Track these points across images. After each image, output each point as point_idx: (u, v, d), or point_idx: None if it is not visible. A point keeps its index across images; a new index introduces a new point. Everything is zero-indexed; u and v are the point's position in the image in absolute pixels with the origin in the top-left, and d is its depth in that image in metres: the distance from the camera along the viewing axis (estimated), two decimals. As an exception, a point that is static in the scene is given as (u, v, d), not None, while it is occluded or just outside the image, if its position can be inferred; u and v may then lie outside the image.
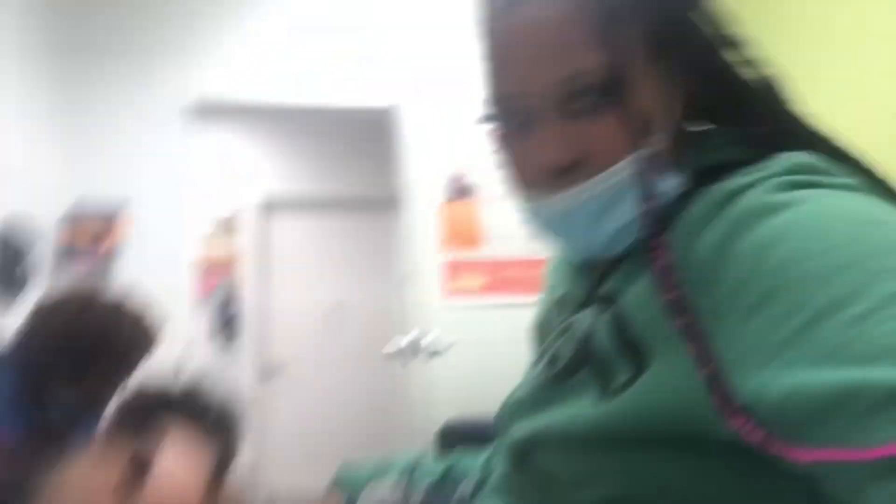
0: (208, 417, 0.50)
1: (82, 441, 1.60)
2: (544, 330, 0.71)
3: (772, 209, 0.44)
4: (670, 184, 0.54)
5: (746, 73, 0.56)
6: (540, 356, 0.64)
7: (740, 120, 0.58)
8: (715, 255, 0.45)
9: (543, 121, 0.55)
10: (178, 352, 2.58)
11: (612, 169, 0.53)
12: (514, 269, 2.77)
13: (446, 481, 0.86)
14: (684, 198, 0.55)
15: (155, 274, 2.60)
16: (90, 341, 1.39)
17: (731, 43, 0.57)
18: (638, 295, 0.51)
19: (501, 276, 2.77)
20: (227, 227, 4.18)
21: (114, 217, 2.62)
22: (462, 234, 2.79)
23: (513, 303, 2.70)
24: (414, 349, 2.07)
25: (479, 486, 0.69)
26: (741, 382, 0.40)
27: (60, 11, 2.70)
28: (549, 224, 0.58)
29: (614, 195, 0.53)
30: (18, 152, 2.41)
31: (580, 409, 0.52)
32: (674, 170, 0.57)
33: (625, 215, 0.54)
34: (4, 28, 2.30)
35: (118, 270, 2.58)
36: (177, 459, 0.45)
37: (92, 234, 2.58)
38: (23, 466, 0.49)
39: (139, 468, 0.42)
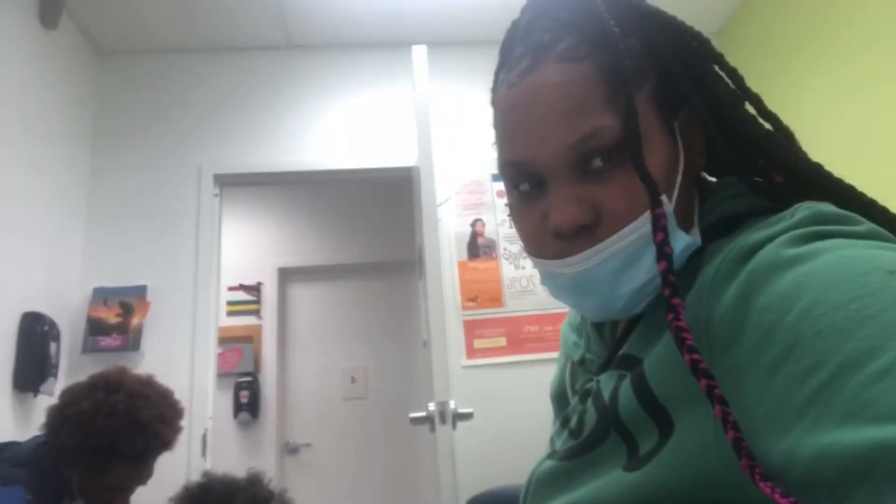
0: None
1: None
2: (564, 395, 0.70)
3: (790, 263, 0.43)
4: (686, 240, 0.54)
5: (760, 126, 0.57)
6: (563, 424, 0.63)
7: (755, 171, 0.58)
8: (735, 312, 0.45)
9: (557, 183, 0.55)
10: (203, 430, 2.57)
11: (626, 228, 0.53)
12: (534, 324, 2.75)
13: None
14: (700, 253, 0.54)
15: (177, 354, 2.62)
16: (119, 421, 1.39)
17: (744, 97, 0.58)
18: (659, 356, 0.50)
19: (523, 333, 2.75)
20: (247, 299, 4.21)
21: (138, 295, 2.65)
22: (483, 291, 2.79)
23: (535, 359, 2.67)
24: (441, 415, 2.03)
25: None
26: (770, 447, 0.39)
27: (86, 99, 2.82)
28: (567, 287, 0.58)
29: (630, 255, 0.53)
30: (46, 237, 2.47)
31: (608, 482, 0.51)
32: (689, 225, 0.56)
33: (641, 275, 0.54)
34: (38, 118, 2.40)
35: (144, 348, 2.59)
36: None
37: (119, 312, 2.61)
38: None
39: None
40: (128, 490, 1.48)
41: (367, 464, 4.07)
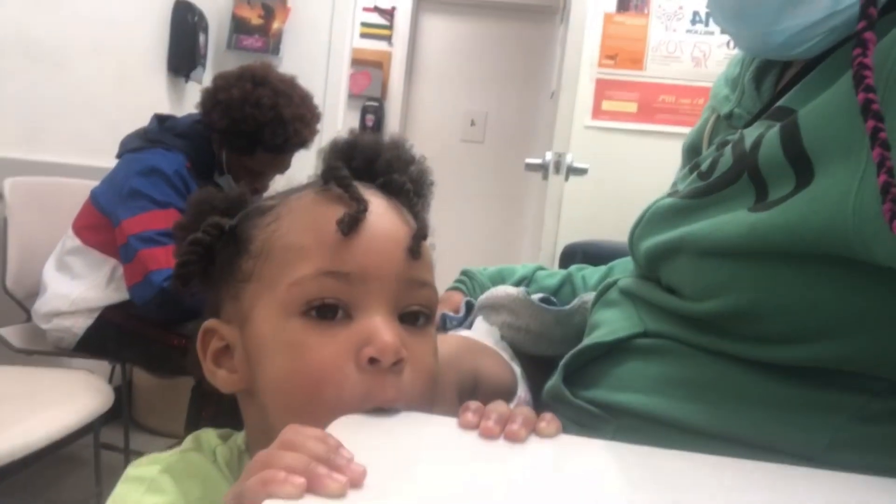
0: (416, 167, 0.52)
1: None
2: (698, 147, 0.68)
3: None
4: None
5: None
6: (692, 169, 0.62)
7: None
8: None
9: None
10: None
11: None
12: (671, 94, 2.59)
13: (562, 289, 0.89)
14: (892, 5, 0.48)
15: (312, 65, 2.70)
16: (264, 113, 1.50)
17: None
18: (820, 104, 0.47)
19: (656, 101, 2.61)
20: (381, 23, 4.15)
21: (278, 2, 2.67)
22: (624, 50, 2.61)
23: (664, 131, 2.57)
24: (556, 165, 2.06)
25: (601, 295, 0.69)
26: None
27: None
28: (729, 8, 0.54)
29: None
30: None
31: (728, 219, 0.50)
32: None
33: (814, 13, 0.49)
34: None
35: (283, 54, 2.68)
36: (386, 206, 0.47)
37: (261, 14, 2.67)
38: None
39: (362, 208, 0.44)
40: (266, 175, 1.65)
41: (477, 203, 4.29)
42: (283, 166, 1.64)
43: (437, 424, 0.43)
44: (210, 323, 0.49)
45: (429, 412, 0.44)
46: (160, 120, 1.63)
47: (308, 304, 0.43)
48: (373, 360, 0.42)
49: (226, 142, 1.55)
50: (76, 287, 1.51)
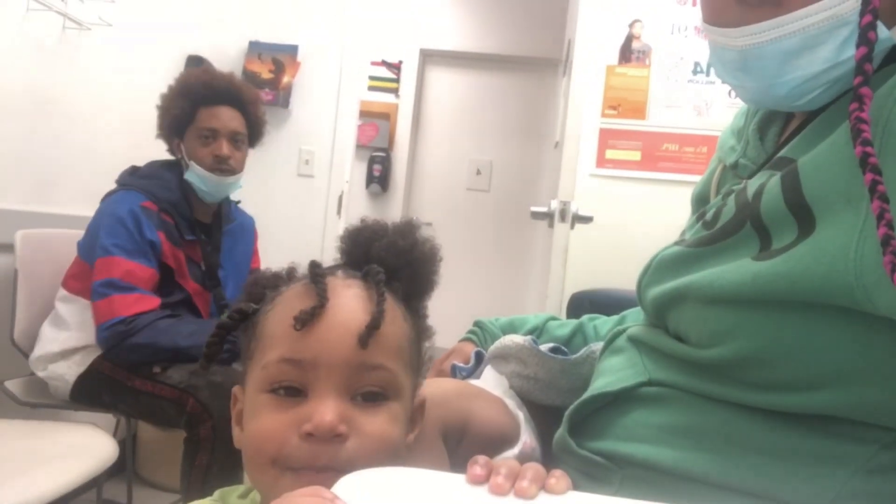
0: (416, 252, 0.57)
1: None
2: (706, 197, 0.69)
3: None
4: (885, 34, 0.48)
5: None
6: (698, 218, 0.63)
7: None
8: None
9: None
10: (339, 191, 2.77)
11: (821, 3, 0.48)
12: (674, 143, 2.62)
13: (574, 339, 0.89)
14: (891, 57, 0.49)
15: (321, 118, 2.75)
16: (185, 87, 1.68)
17: None
18: (819, 154, 0.48)
19: (660, 150, 2.64)
20: (388, 76, 4.25)
21: (289, 54, 2.74)
22: (626, 101, 2.65)
23: (667, 179, 2.59)
24: (561, 213, 2.08)
25: (609, 343, 0.70)
26: None
27: None
28: (733, 63, 0.54)
29: (812, 37, 0.49)
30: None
31: (732, 267, 0.51)
32: (893, 23, 0.50)
33: (816, 64, 0.50)
34: None
35: (292, 107, 2.74)
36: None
37: (271, 68, 2.74)
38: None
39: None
40: (218, 133, 1.66)
41: (483, 252, 4.30)
42: (223, 119, 1.67)
43: (446, 481, 0.42)
44: (235, 388, 0.57)
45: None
46: (133, 169, 1.70)
47: (272, 385, 0.50)
48: (311, 434, 0.48)
49: (175, 132, 1.66)
50: (64, 332, 1.53)
